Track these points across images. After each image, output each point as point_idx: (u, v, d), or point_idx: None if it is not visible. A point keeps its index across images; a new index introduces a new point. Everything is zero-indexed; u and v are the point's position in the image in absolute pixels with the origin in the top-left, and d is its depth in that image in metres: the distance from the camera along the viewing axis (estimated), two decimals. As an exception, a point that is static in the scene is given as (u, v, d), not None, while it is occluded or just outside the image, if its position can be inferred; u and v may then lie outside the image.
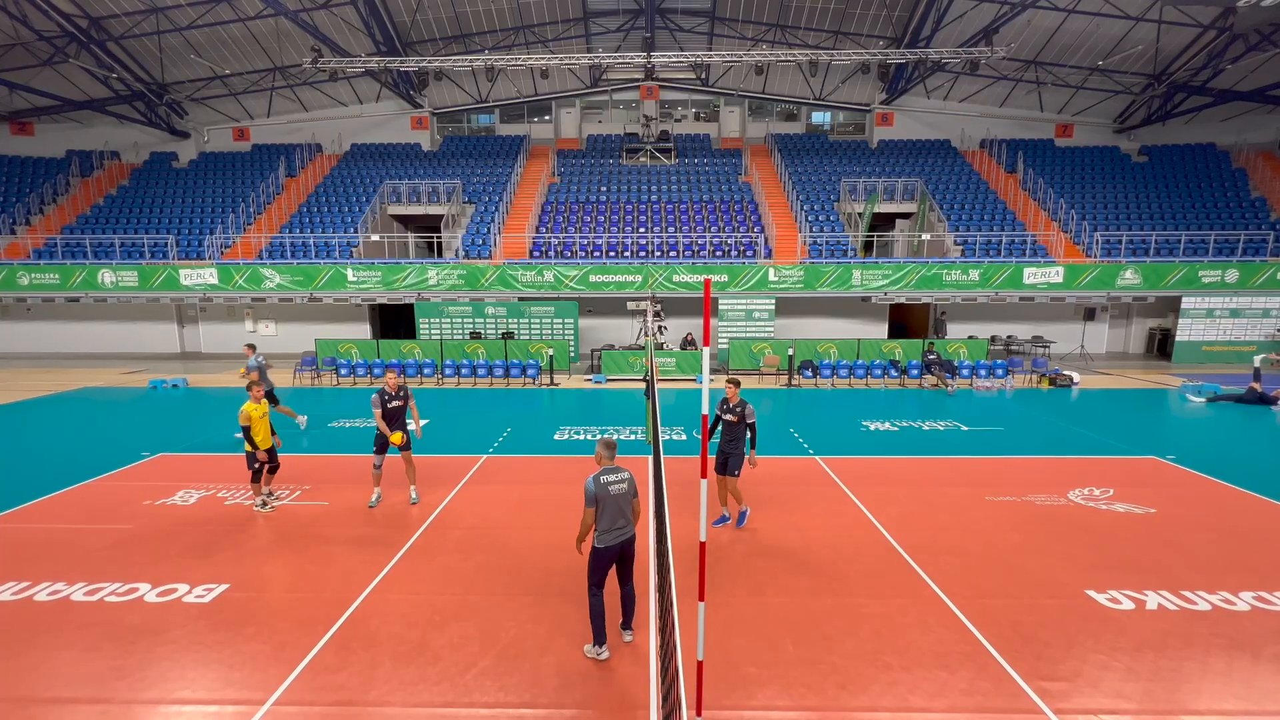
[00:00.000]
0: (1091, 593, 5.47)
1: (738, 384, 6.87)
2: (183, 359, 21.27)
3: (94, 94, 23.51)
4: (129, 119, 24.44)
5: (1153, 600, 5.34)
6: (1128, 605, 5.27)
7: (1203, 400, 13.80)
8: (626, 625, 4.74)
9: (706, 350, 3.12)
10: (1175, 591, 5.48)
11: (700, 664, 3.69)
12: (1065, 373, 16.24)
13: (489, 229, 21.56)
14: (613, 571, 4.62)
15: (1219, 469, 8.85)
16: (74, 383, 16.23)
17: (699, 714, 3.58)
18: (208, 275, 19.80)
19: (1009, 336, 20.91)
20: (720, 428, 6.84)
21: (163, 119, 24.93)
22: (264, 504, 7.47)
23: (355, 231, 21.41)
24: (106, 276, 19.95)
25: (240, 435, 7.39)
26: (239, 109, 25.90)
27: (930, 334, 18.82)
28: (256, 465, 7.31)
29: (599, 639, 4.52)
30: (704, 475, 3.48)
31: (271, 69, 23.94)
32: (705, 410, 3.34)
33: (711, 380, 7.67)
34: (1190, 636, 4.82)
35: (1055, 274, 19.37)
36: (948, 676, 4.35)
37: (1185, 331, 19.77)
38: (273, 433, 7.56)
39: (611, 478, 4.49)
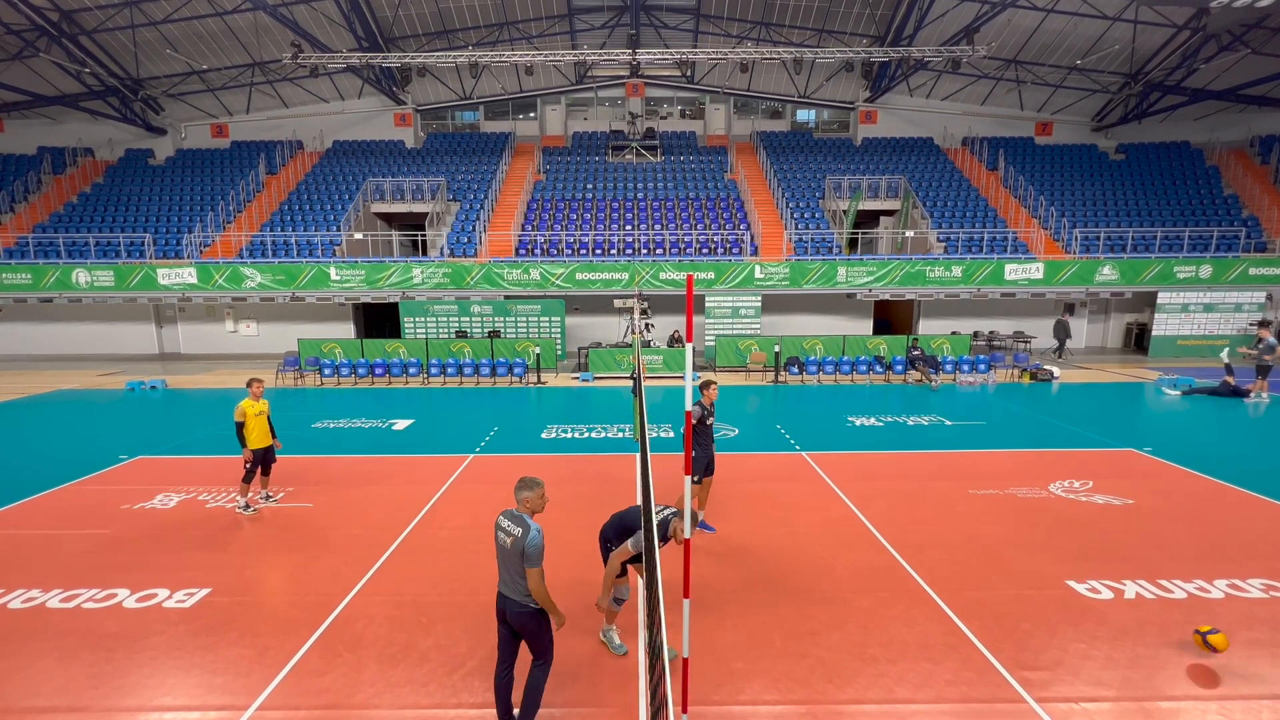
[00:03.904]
0: (1072, 583, 5.57)
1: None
2: (161, 360, 20.87)
3: (66, 89, 22.94)
4: (103, 115, 23.86)
5: (1131, 589, 5.45)
6: (1107, 595, 5.37)
7: (1178, 393, 14.10)
8: None
9: (690, 346, 3.12)
10: (1153, 580, 5.60)
11: (686, 661, 3.71)
12: (1046, 367, 16.51)
13: (474, 227, 21.40)
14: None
15: (1194, 460, 9.05)
16: (48, 385, 15.87)
17: (685, 711, 3.59)
18: (186, 274, 19.44)
19: (991, 332, 21.19)
20: (698, 433, 6.49)
21: (138, 115, 24.40)
22: (246, 505, 7.37)
23: (338, 230, 21.14)
24: (81, 276, 19.50)
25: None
26: (217, 105, 25.43)
27: (1057, 337, 19.07)
28: (248, 466, 7.21)
29: (499, 715, 3.68)
30: (687, 471, 3.48)
31: (250, 65, 23.53)
32: (689, 406, 3.33)
33: (701, 378, 7.63)
34: (1167, 624, 4.93)
35: (1036, 270, 19.65)
36: (933, 668, 4.41)
37: (1161, 326, 20.17)
38: (273, 434, 7.47)
39: (504, 522, 3.62)
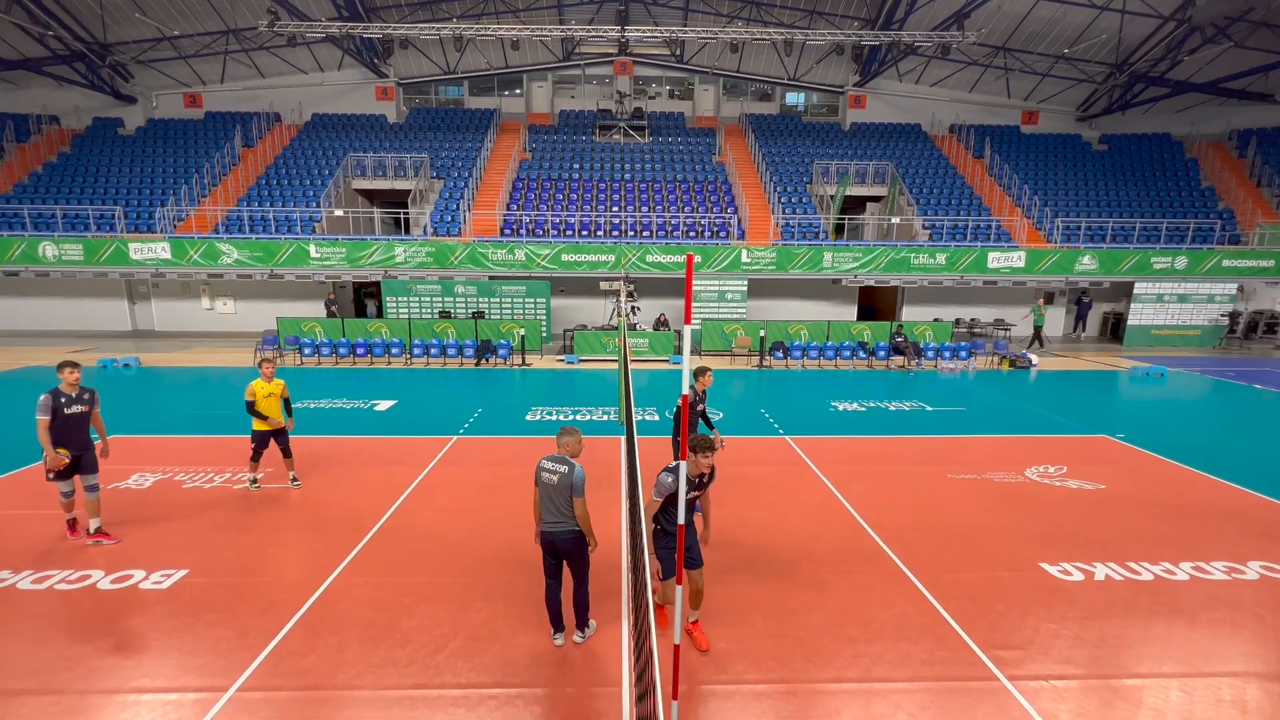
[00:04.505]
0: (1045, 565, 5.72)
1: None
2: (135, 337, 20.35)
3: (28, 52, 21.91)
4: (69, 81, 22.89)
5: (1100, 571, 5.61)
6: (1078, 577, 5.53)
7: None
8: (577, 625, 4.57)
9: (689, 328, 3.08)
10: (1121, 563, 5.77)
11: (677, 648, 3.72)
12: (1025, 354, 16.79)
13: (458, 205, 21.03)
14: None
15: (1163, 447, 9.30)
16: (16, 362, 15.40)
17: (675, 698, 3.61)
18: (160, 250, 18.88)
19: (972, 319, 21.47)
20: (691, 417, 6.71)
21: (106, 82, 23.44)
22: (254, 481, 7.42)
23: (318, 206, 20.64)
24: (49, 250, 18.84)
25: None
26: (190, 74, 24.51)
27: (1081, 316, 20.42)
28: (255, 444, 7.25)
29: (551, 625, 4.53)
30: (683, 456, 3.46)
31: (225, 32, 22.67)
32: (686, 390, 3.30)
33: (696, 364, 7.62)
34: (1134, 605, 5.09)
35: (1018, 259, 19.88)
36: (910, 647, 4.51)
37: (1136, 316, 20.60)
38: (289, 414, 7.50)
39: (548, 464, 4.33)
